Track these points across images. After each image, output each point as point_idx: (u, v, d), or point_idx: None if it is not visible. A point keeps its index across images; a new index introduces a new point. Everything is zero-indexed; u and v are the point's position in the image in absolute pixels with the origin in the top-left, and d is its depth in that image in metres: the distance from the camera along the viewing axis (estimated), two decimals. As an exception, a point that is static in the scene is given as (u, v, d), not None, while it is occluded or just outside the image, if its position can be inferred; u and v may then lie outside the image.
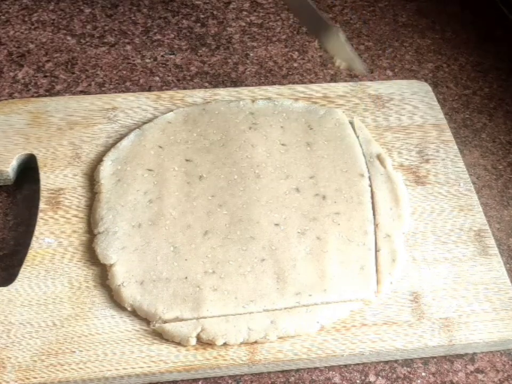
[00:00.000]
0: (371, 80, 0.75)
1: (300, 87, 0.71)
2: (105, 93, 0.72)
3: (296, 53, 0.80)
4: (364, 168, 0.62)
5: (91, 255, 0.56)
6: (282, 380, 0.52)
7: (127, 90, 0.73)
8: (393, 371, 0.53)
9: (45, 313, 0.53)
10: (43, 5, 0.84)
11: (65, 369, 0.50)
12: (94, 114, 0.67)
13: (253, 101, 0.68)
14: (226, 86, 0.74)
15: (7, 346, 0.51)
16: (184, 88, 0.74)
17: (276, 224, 0.58)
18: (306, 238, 0.57)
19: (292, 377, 0.52)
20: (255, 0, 0.87)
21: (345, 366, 0.53)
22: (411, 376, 0.53)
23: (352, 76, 0.77)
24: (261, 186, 0.60)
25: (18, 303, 0.53)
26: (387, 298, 0.55)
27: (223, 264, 0.55)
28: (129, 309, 0.53)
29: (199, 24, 0.83)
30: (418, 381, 0.53)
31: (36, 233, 0.57)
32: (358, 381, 0.53)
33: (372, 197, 0.60)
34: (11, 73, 0.75)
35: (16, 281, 0.54)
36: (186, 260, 0.55)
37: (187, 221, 0.57)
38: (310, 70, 0.78)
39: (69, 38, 0.80)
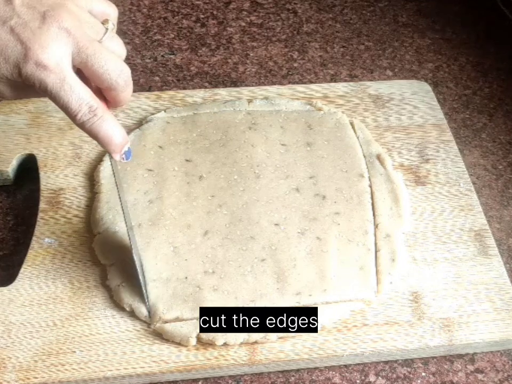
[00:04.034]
0: (371, 80, 0.75)
1: (300, 87, 0.71)
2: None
3: (296, 53, 0.80)
4: (364, 169, 0.62)
5: (91, 255, 0.56)
6: (282, 380, 0.52)
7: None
8: (393, 371, 0.53)
9: (46, 313, 0.53)
10: (43, 4, 0.84)
11: (66, 369, 0.50)
12: (94, 114, 0.67)
13: (250, 102, 0.68)
14: (226, 86, 0.74)
15: (8, 346, 0.51)
16: (184, 88, 0.74)
17: (276, 224, 0.58)
18: (306, 238, 0.57)
19: (292, 377, 0.52)
20: (255, 0, 0.87)
21: (345, 366, 0.53)
22: (411, 376, 0.53)
23: (352, 76, 0.77)
24: (261, 186, 0.60)
25: (19, 303, 0.53)
26: (387, 298, 0.55)
27: (223, 264, 0.55)
28: (128, 309, 0.53)
29: (199, 24, 0.83)
30: (418, 381, 0.53)
31: (36, 233, 0.57)
32: (358, 381, 0.53)
33: (372, 197, 0.60)
34: (11, 73, 0.74)
35: (16, 281, 0.54)
36: (186, 260, 0.55)
37: (187, 221, 0.57)
38: (310, 70, 0.78)
39: (69, 38, 0.79)
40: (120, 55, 0.47)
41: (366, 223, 0.58)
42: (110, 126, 0.46)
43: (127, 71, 0.46)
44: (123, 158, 0.49)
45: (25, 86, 0.45)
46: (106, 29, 0.46)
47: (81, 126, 0.46)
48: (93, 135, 0.46)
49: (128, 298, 0.53)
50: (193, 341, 0.51)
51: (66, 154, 0.63)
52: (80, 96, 0.44)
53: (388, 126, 0.68)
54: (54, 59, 0.43)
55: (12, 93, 0.47)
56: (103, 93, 0.47)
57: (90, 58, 0.44)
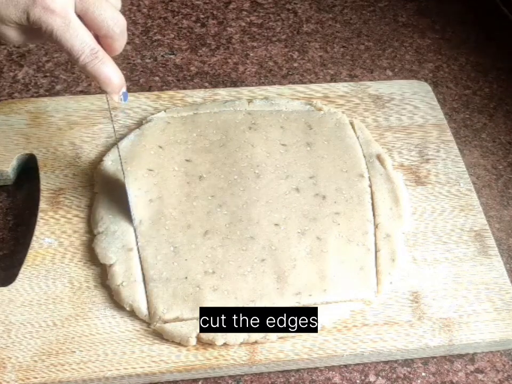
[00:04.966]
0: (371, 80, 0.75)
1: (300, 87, 0.71)
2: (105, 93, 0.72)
3: (296, 53, 0.80)
4: (364, 169, 0.62)
5: (91, 255, 0.56)
6: (282, 380, 0.52)
7: (127, 90, 0.73)
8: (393, 371, 0.53)
9: (45, 313, 0.53)
10: (43, 5, 0.84)
11: (66, 369, 0.50)
12: (94, 114, 0.67)
13: (249, 102, 0.68)
14: (226, 86, 0.74)
15: (8, 346, 0.51)
16: (184, 88, 0.74)
17: (276, 224, 0.58)
18: (306, 238, 0.57)
19: (292, 377, 0.52)
20: (255, 0, 0.87)
21: (345, 366, 0.53)
22: (411, 376, 0.53)
23: (352, 76, 0.77)
24: (261, 186, 0.60)
25: (19, 303, 0.53)
26: (387, 298, 0.55)
27: (223, 264, 0.55)
28: (128, 308, 0.53)
29: (199, 24, 0.83)
30: (418, 381, 0.53)
31: (36, 233, 0.57)
32: (358, 381, 0.53)
33: (372, 197, 0.60)
34: (11, 73, 0.74)
35: (16, 281, 0.54)
36: (186, 260, 0.55)
37: (187, 221, 0.57)
38: (310, 70, 0.78)
39: (69, 38, 0.79)
40: (116, 5, 0.51)
41: (366, 223, 0.58)
42: (110, 68, 0.50)
43: (122, 21, 0.50)
44: (121, 99, 0.53)
45: (31, 30, 0.49)
46: None
47: (84, 67, 0.50)
48: (94, 76, 0.50)
49: (128, 298, 0.53)
50: (193, 341, 0.51)
51: (66, 154, 0.63)
52: (83, 39, 0.48)
53: (388, 126, 0.68)
54: (60, 4, 0.47)
55: (19, 37, 0.50)
56: (100, 40, 0.51)
57: (91, 6, 0.48)
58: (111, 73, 0.51)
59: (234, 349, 0.51)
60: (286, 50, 0.80)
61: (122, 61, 0.77)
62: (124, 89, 0.53)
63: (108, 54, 0.51)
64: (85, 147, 0.64)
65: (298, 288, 0.54)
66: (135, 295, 0.53)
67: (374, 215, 0.59)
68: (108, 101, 0.53)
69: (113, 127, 0.59)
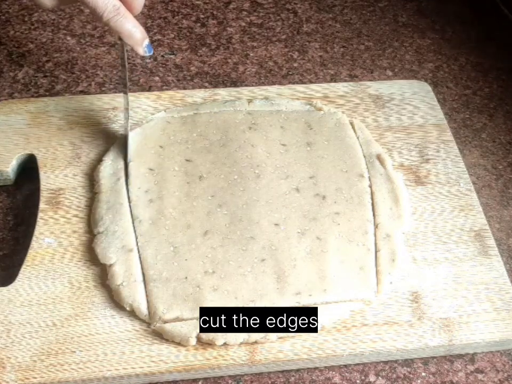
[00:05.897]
0: (371, 80, 0.75)
1: (300, 87, 0.71)
2: (105, 93, 0.72)
3: (296, 53, 0.80)
4: (364, 169, 0.62)
5: (91, 255, 0.56)
6: (282, 380, 0.52)
7: (127, 91, 0.73)
8: (393, 371, 0.53)
9: (45, 313, 0.53)
10: (43, 5, 0.84)
11: (65, 369, 0.50)
12: (94, 114, 0.67)
13: (249, 102, 0.68)
14: (226, 86, 0.74)
15: (7, 346, 0.51)
16: (184, 88, 0.74)
17: (276, 224, 0.58)
18: (306, 238, 0.57)
19: (292, 377, 0.52)
20: (255, 0, 0.87)
21: (345, 366, 0.53)
22: (411, 376, 0.53)
23: (352, 76, 0.77)
24: (261, 186, 0.60)
25: (18, 303, 0.53)
26: (387, 298, 0.55)
27: (223, 264, 0.55)
28: (128, 308, 0.53)
29: (199, 24, 0.83)
30: (418, 381, 0.53)
31: (36, 233, 0.57)
32: (358, 381, 0.53)
33: (372, 197, 0.60)
34: (11, 73, 0.74)
35: (16, 281, 0.54)
36: (186, 259, 0.55)
37: (187, 221, 0.57)
38: (310, 70, 0.78)
39: (69, 38, 0.80)
40: None
41: (366, 223, 0.58)
42: (131, 23, 0.56)
43: None
44: (145, 51, 0.58)
45: None
46: None
47: (107, 23, 0.55)
48: (118, 30, 0.55)
49: (128, 298, 0.53)
50: (193, 341, 0.51)
51: (66, 154, 0.63)
52: None
53: (388, 126, 0.68)
54: None
55: (51, 1, 0.56)
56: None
57: None
58: (132, 27, 0.56)
59: (234, 349, 0.51)
60: (286, 50, 0.80)
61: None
62: (147, 42, 0.57)
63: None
64: (85, 147, 0.64)
65: (298, 288, 0.54)
66: (135, 295, 0.53)
67: (374, 215, 0.59)
68: (127, 91, 0.59)
69: (127, 99, 0.62)
